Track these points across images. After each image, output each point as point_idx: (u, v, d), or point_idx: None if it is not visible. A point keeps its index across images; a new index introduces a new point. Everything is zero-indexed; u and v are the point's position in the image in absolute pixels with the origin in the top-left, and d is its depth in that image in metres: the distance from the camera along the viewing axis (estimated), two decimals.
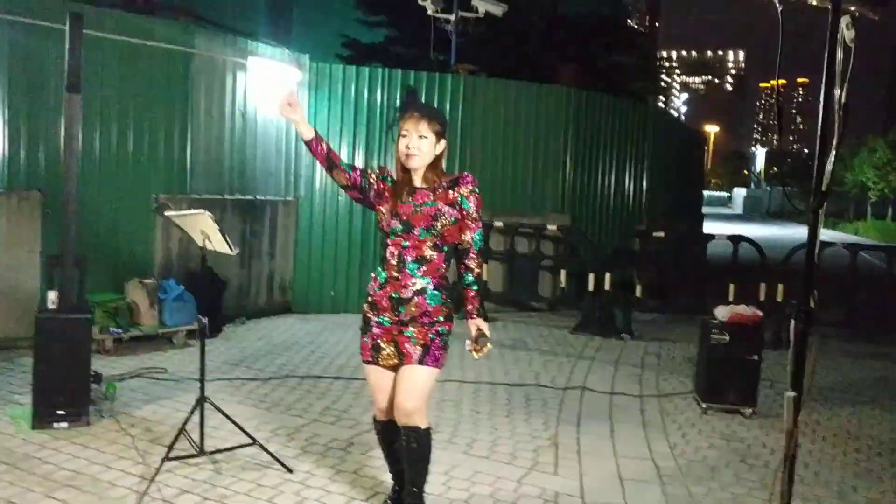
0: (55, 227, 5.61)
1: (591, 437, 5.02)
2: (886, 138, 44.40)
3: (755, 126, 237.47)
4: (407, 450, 3.35)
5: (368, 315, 3.38)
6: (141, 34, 7.15)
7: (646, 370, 7.00)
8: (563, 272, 9.42)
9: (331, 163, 3.33)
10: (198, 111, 7.66)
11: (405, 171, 3.32)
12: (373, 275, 3.39)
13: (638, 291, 9.11)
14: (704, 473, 4.49)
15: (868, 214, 47.59)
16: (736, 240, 9.23)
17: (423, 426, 3.34)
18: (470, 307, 3.35)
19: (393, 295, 3.27)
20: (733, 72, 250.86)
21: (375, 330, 3.35)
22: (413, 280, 3.25)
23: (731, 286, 8.41)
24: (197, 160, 7.67)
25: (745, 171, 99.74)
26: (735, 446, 5.01)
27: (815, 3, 2.40)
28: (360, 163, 8.87)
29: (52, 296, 4.82)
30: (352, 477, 4.14)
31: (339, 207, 8.87)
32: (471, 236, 3.33)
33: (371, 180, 3.37)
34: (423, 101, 8.69)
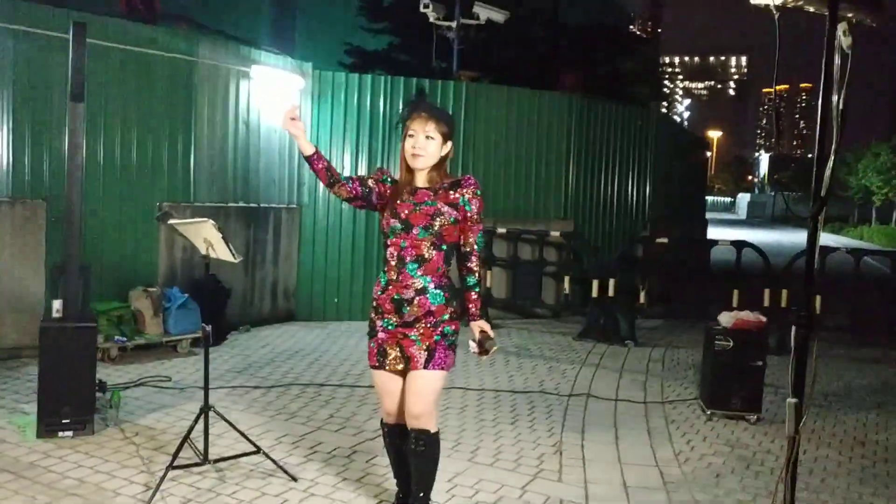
0: (60, 236, 5.62)
1: (595, 443, 5.01)
2: (890, 143, 44.36)
3: (758, 131, 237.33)
4: (415, 453, 3.35)
5: (374, 319, 3.39)
6: (144, 43, 7.18)
7: (650, 377, 6.99)
8: (566, 279, 9.42)
9: (331, 178, 3.30)
10: (201, 119, 7.68)
11: (409, 171, 3.33)
12: (377, 279, 3.40)
13: (642, 298, 9.10)
14: (709, 480, 4.48)
15: (873, 219, 47.49)
16: (739, 245, 9.22)
17: (433, 430, 3.34)
18: (473, 309, 3.37)
19: (395, 297, 3.28)
20: (736, 77, 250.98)
21: (381, 334, 3.36)
22: (412, 280, 3.26)
23: (735, 292, 8.40)
24: (200, 168, 7.69)
25: (749, 177, 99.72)
26: (740, 453, 4.99)
27: (812, 9, 2.41)
28: (363, 171, 8.89)
29: (56, 304, 4.84)
30: (356, 484, 4.13)
31: (343, 215, 8.88)
32: (473, 239, 3.34)
33: (370, 185, 3.37)
34: None
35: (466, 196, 3.30)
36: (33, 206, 6.46)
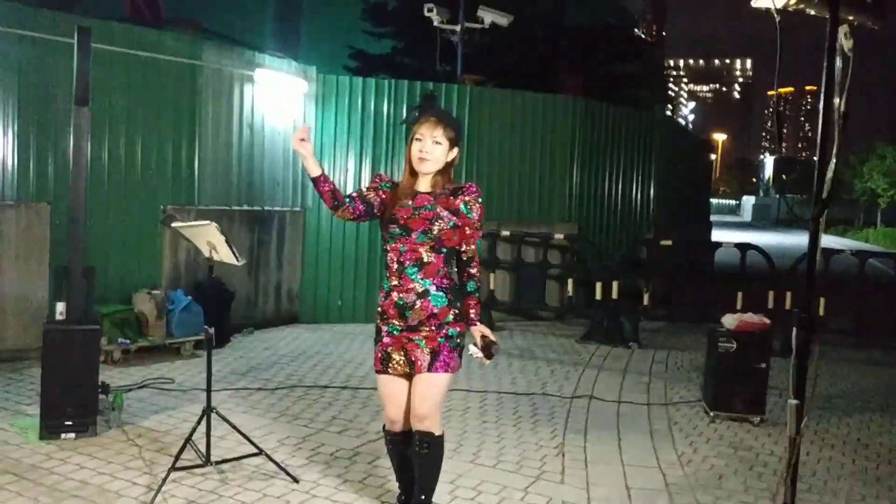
0: (64, 239, 5.64)
1: (598, 445, 5.01)
2: None
3: (763, 134, 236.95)
4: (419, 455, 3.35)
5: (379, 325, 3.40)
6: (149, 47, 7.20)
7: (653, 379, 6.98)
8: (570, 281, 9.41)
9: (336, 202, 3.27)
10: (205, 123, 7.70)
11: (412, 175, 3.34)
12: (380, 286, 3.42)
13: (645, 300, 9.09)
14: (712, 482, 4.47)
15: (878, 222, 47.35)
16: (744, 248, 9.21)
17: (437, 432, 3.35)
18: (473, 315, 3.39)
19: (398, 301, 3.29)
20: (741, 80, 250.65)
21: (385, 339, 3.36)
22: (413, 283, 3.27)
23: (739, 294, 8.38)
24: (205, 171, 7.72)
25: (754, 180, 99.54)
26: (743, 455, 4.98)
27: (813, 12, 2.42)
28: (367, 174, 8.90)
29: (60, 307, 4.85)
30: (358, 486, 4.14)
31: None
32: (473, 246, 3.38)
33: (370, 199, 3.34)
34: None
35: (468, 203, 3.31)
36: (38, 209, 6.49)
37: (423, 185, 3.34)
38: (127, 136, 7.08)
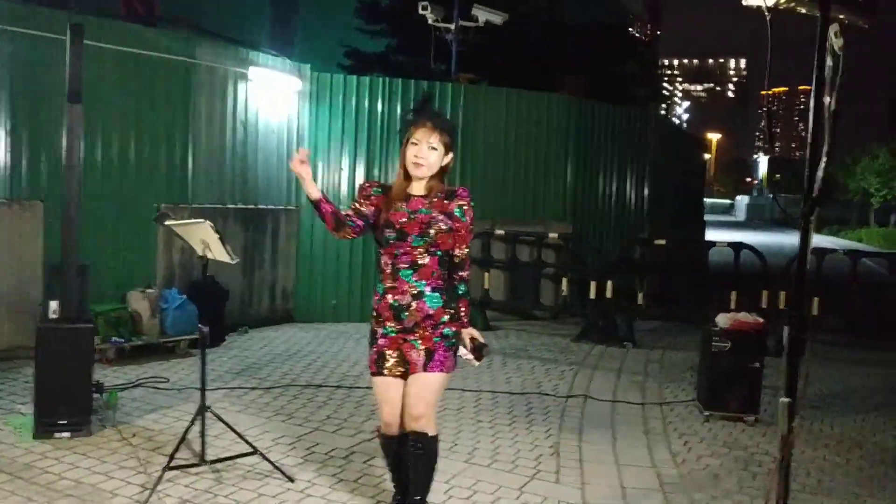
0: (57, 237, 5.62)
1: (593, 445, 5.01)
2: (889, 145, 44.38)
3: (757, 133, 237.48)
4: (413, 455, 3.35)
5: (374, 328, 3.39)
6: (142, 44, 7.18)
7: (648, 378, 6.99)
8: (564, 280, 9.42)
9: (338, 223, 3.26)
10: (199, 121, 7.68)
11: (406, 178, 3.33)
12: (374, 289, 3.42)
13: (640, 299, 9.10)
14: (707, 482, 4.48)
15: (871, 221, 47.53)
16: (738, 247, 9.23)
17: (432, 433, 3.34)
18: (463, 316, 3.41)
19: (392, 303, 3.29)
20: (735, 80, 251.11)
21: (381, 341, 3.36)
22: (408, 285, 3.27)
23: (733, 294, 8.40)
24: (198, 169, 7.70)
25: (748, 179, 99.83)
26: (737, 454, 4.99)
27: (804, 10, 2.42)
28: (361, 173, 8.89)
29: (53, 305, 4.83)
30: (353, 486, 4.13)
31: None
32: (466, 249, 3.39)
33: (365, 212, 3.34)
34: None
35: (462, 207, 3.33)
36: (31, 207, 6.46)
37: (418, 188, 3.34)
38: (120, 134, 7.05)
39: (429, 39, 14.60)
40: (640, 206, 11.70)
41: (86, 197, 5.98)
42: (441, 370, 3.31)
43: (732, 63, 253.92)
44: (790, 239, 34.10)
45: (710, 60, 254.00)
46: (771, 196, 70.05)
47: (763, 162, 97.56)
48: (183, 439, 4.09)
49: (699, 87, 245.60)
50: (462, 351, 3.38)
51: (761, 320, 5.86)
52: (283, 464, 4.30)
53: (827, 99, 2.36)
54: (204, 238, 4.07)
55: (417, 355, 3.29)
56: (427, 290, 3.28)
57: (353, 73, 14.60)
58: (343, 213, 3.31)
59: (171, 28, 8.57)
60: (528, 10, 19.92)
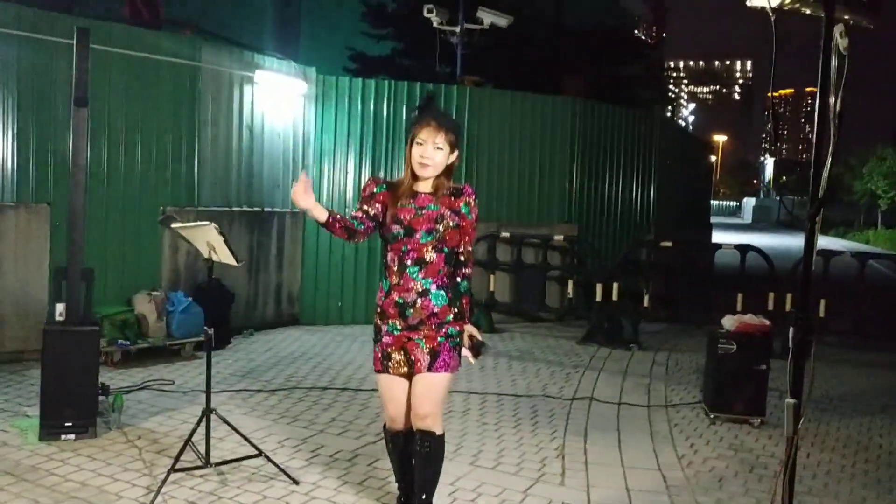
0: (63, 240, 5.64)
1: (598, 447, 5.00)
2: None
3: (763, 135, 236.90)
4: (420, 454, 3.36)
5: (379, 325, 3.40)
6: (148, 48, 7.20)
7: (653, 380, 6.98)
8: (570, 282, 9.41)
9: (350, 232, 3.27)
10: (205, 124, 7.70)
11: (413, 177, 3.34)
12: (379, 285, 3.41)
13: (646, 301, 9.09)
14: (712, 484, 4.47)
15: (878, 223, 47.33)
16: (744, 249, 9.20)
17: (438, 431, 3.35)
18: (465, 314, 3.40)
19: (398, 300, 3.29)
20: (741, 81, 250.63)
21: (385, 339, 3.36)
22: (414, 283, 3.27)
23: (739, 296, 8.37)
24: (204, 172, 7.71)
25: (755, 181, 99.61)
26: (743, 456, 4.98)
27: (809, 11, 2.42)
28: (366, 175, 8.89)
29: (59, 308, 4.84)
30: (358, 488, 4.13)
31: None
32: (470, 246, 3.41)
33: (373, 212, 3.34)
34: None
35: (469, 204, 3.35)
36: (37, 210, 6.48)
37: (424, 186, 3.34)
38: (126, 137, 7.07)
39: (434, 42, 14.63)
40: (646, 208, 11.68)
41: (92, 200, 6.02)
42: (446, 370, 3.31)
43: (738, 65, 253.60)
44: (797, 241, 33.97)
45: (716, 62, 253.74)
46: (777, 198, 69.89)
47: (769, 164, 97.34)
48: (188, 441, 4.10)
49: (705, 90, 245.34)
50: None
51: (767, 322, 5.85)
52: (287, 466, 4.30)
53: (832, 99, 2.36)
54: (209, 240, 4.08)
55: (422, 354, 3.30)
56: (433, 287, 3.29)
57: (359, 76, 14.62)
58: (350, 217, 3.32)
59: (177, 32, 8.59)
60: (532, 12, 19.91)
